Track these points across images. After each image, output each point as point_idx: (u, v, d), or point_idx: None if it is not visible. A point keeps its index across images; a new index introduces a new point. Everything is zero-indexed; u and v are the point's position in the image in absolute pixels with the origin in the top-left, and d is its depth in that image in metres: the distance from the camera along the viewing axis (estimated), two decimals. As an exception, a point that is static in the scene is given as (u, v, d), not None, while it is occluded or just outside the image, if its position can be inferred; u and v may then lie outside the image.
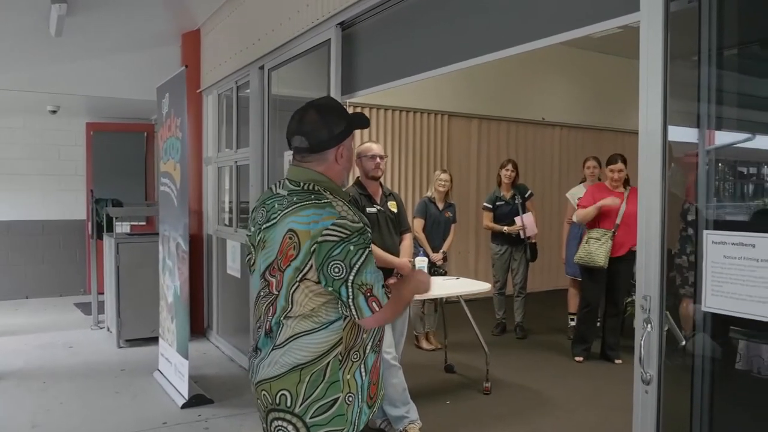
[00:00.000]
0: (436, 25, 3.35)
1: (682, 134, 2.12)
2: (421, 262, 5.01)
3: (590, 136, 9.14)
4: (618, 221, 5.42)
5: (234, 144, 6.08)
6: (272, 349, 1.90)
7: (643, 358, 1.98)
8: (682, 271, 2.12)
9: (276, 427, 1.90)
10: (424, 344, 6.02)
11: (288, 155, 4.51)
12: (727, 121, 2.08)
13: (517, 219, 6.27)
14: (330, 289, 1.82)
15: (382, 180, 4.09)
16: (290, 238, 1.84)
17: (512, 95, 8.52)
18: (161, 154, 5.41)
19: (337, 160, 1.97)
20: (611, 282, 5.55)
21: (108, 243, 6.59)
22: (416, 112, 7.83)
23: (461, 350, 5.65)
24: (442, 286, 4.90)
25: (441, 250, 5.80)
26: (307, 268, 1.82)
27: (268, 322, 1.94)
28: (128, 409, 4.55)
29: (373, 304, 1.82)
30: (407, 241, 4.17)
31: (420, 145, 7.89)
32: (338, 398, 1.86)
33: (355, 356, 1.90)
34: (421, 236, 5.72)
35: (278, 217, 1.90)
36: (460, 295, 4.87)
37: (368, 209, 3.86)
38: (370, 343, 1.95)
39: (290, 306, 1.87)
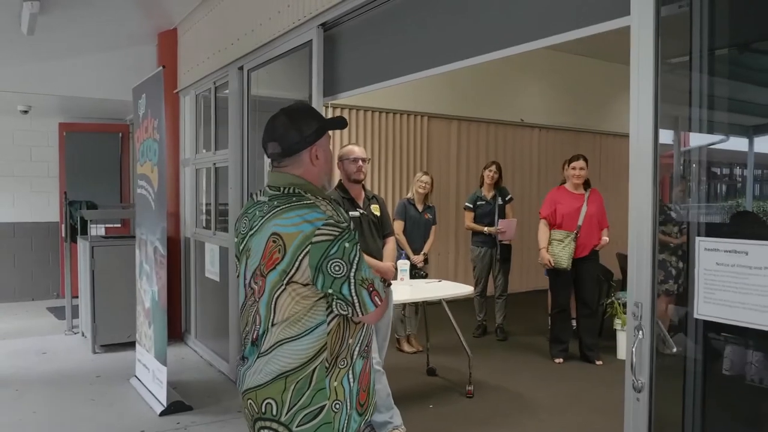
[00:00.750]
0: (421, 28, 3.31)
1: (668, 137, 2.11)
2: (404, 266, 5.00)
3: (568, 138, 9.21)
4: (580, 222, 5.46)
5: (212, 145, 5.99)
6: (257, 357, 1.88)
7: (634, 365, 1.96)
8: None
9: None
10: (406, 347, 5.99)
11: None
12: (718, 125, 2.08)
13: (501, 222, 6.29)
14: (329, 290, 1.80)
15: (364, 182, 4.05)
16: (274, 242, 1.82)
17: (491, 97, 8.57)
18: (138, 156, 5.30)
19: (312, 162, 1.96)
20: (578, 282, 5.62)
21: (83, 246, 6.45)
22: (395, 114, 7.82)
23: (443, 353, 5.62)
24: (425, 290, 4.87)
25: (422, 252, 5.79)
26: (293, 270, 1.79)
27: (255, 331, 1.92)
28: (105, 417, 4.44)
29: (376, 298, 1.84)
30: (390, 245, 4.13)
31: (399, 146, 7.88)
32: (325, 405, 1.84)
33: (342, 363, 1.87)
34: (402, 238, 5.69)
35: (260, 223, 1.90)
36: (443, 298, 4.85)
37: (351, 213, 3.81)
38: (357, 349, 1.92)
39: (272, 313, 1.84)
